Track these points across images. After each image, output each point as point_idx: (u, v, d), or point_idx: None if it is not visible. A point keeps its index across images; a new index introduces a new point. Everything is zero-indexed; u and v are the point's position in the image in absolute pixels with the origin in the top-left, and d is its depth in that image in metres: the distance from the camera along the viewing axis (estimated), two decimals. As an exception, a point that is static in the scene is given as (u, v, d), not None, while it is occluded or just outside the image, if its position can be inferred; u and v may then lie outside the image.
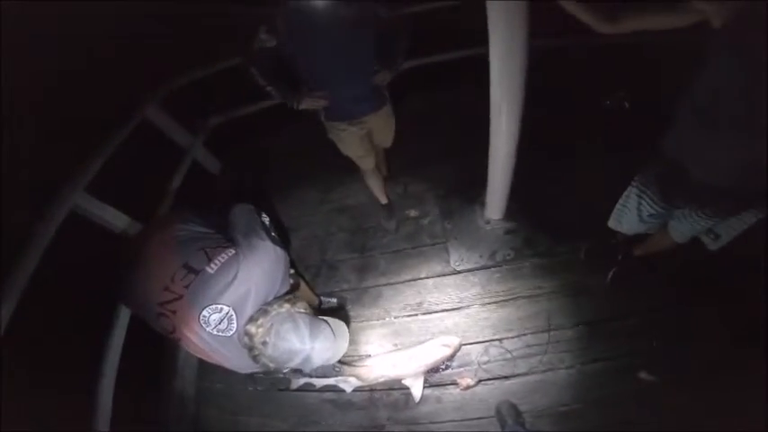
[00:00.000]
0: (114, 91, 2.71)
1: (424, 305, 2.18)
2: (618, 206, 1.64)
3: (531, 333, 1.97)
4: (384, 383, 1.95)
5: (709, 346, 1.77)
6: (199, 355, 1.24)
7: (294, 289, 1.82)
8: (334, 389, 1.98)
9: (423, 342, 1.98)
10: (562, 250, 2.19)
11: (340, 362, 1.90)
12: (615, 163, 1.57)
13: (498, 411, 1.79)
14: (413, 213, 2.58)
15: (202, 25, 3.48)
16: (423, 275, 2.29)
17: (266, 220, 1.44)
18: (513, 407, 1.79)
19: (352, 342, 2.12)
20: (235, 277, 1.18)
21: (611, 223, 1.71)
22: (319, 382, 1.99)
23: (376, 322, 2.19)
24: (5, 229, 1.88)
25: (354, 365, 1.98)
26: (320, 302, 2.22)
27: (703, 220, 1.38)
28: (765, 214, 1.27)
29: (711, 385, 1.66)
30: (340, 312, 2.23)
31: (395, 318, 2.18)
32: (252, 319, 1.17)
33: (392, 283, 2.30)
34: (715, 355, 1.73)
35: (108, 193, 1.98)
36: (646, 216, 1.52)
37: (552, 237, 2.25)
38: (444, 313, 2.13)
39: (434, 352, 1.91)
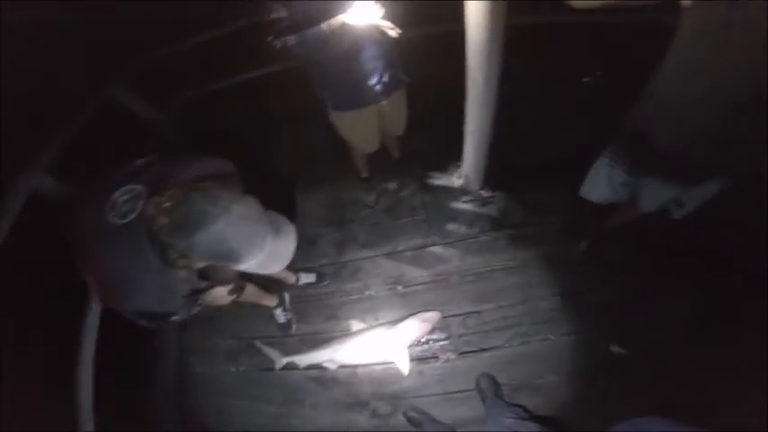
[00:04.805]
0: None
1: (404, 278, 2.20)
2: (590, 176, 1.66)
3: (508, 305, 2.02)
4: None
5: (679, 317, 1.83)
6: (88, 269, 1.02)
7: (238, 291, 1.57)
8: (318, 367, 2.02)
9: (403, 318, 2.01)
10: (536, 221, 2.21)
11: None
12: (589, 135, 1.57)
13: (478, 385, 1.85)
14: (392, 186, 2.56)
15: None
16: (401, 248, 2.29)
17: None
18: (493, 380, 1.85)
19: (333, 318, 2.16)
20: (163, 161, 1.04)
21: (584, 192, 1.73)
22: (303, 362, 2.02)
23: (356, 297, 2.21)
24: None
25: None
26: (298, 278, 2.22)
27: (669, 189, 1.41)
28: (726, 185, 1.32)
29: (683, 356, 1.73)
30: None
31: (375, 292, 2.20)
32: (160, 192, 0.94)
33: (371, 257, 2.31)
34: (684, 327, 1.80)
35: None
36: (617, 185, 1.54)
37: (527, 208, 2.26)
38: (424, 286, 2.16)
39: (415, 328, 1.95)
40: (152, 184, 0.96)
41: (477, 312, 2.02)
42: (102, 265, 0.98)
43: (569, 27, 2.08)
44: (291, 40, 1.36)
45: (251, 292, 1.91)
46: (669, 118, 1.18)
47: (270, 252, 0.99)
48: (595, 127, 1.53)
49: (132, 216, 0.92)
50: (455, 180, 2.43)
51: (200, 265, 1.00)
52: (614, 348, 1.84)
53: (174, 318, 1.13)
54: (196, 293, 1.13)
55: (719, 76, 0.98)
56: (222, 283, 1.30)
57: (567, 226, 2.14)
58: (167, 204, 0.91)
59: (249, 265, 0.99)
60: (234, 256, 0.95)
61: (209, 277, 1.08)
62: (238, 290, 1.55)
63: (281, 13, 1.37)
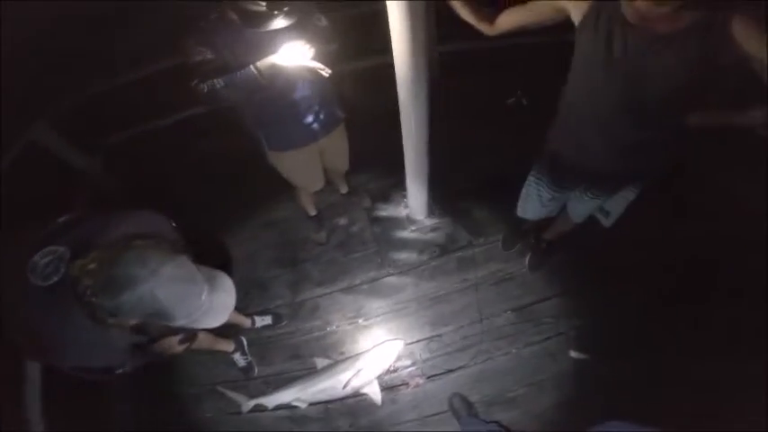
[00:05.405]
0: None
1: (364, 310, 2.22)
2: (522, 195, 1.80)
3: (467, 325, 2.10)
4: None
5: (625, 318, 2.01)
6: (18, 331, 0.97)
7: (190, 340, 1.46)
8: (287, 406, 1.95)
9: (367, 350, 2.02)
10: (481, 242, 2.36)
11: None
12: (518, 155, 1.72)
13: (451, 405, 1.88)
14: (342, 222, 2.60)
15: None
16: (358, 282, 2.32)
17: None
18: (464, 399, 1.89)
19: (296, 356, 2.11)
20: (88, 219, 1.00)
21: (519, 211, 1.87)
22: (271, 402, 1.95)
23: (318, 334, 2.18)
24: None
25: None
26: (253, 322, 2.15)
27: (592, 199, 1.57)
28: (641, 189, 1.49)
29: (638, 353, 1.89)
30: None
31: (336, 327, 2.19)
32: (84, 254, 0.89)
33: (328, 293, 2.31)
34: (632, 326, 1.98)
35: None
36: (546, 201, 1.68)
37: (471, 230, 2.40)
38: (383, 316, 2.19)
39: (380, 358, 1.96)
40: (75, 244, 0.92)
41: (439, 336, 2.08)
42: (32, 328, 0.94)
43: (489, 52, 2.29)
44: (219, 82, 1.32)
45: (204, 339, 1.83)
46: (577, 132, 1.32)
47: (206, 309, 0.97)
48: (522, 145, 1.68)
49: (56, 278, 0.88)
50: (402, 210, 2.53)
51: (133, 322, 0.95)
52: (574, 354, 1.96)
53: (121, 370, 1.09)
54: (140, 346, 1.09)
55: (611, 89, 1.10)
56: (162, 336, 1.24)
57: (510, 243, 2.29)
58: (92, 266, 0.87)
59: (185, 321, 0.96)
60: (166, 316, 0.92)
61: (145, 332, 1.03)
62: (190, 339, 1.45)
63: (207, 55, 1.34)
